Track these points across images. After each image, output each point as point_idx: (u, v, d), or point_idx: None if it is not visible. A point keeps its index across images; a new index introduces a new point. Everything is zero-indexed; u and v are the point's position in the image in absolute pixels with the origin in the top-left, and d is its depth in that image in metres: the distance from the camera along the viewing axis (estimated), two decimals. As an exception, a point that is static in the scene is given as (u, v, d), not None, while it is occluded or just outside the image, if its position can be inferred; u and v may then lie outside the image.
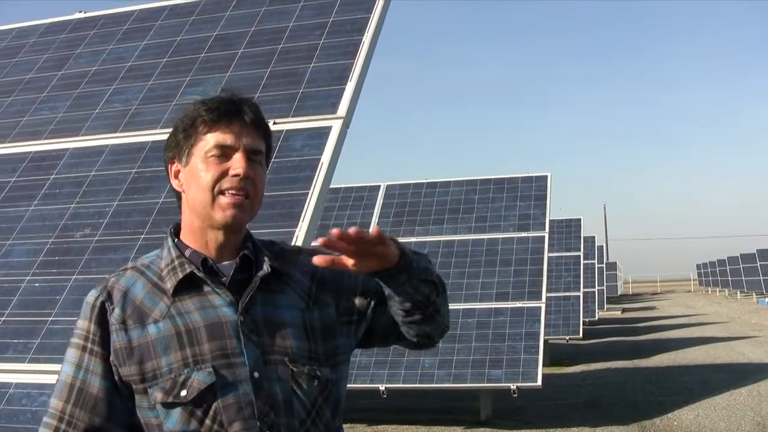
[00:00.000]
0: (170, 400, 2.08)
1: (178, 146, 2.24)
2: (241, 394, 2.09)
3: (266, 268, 2.21)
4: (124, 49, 5.16)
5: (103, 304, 2.17)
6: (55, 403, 2.15)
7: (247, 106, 2.23)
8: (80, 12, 5.67)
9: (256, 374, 2.11)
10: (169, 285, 2.17)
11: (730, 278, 56.58)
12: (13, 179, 4.49)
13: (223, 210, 2.15)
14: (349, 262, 2.10)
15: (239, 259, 2.21)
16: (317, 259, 2.08)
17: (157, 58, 4.96)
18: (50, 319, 3.72)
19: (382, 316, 2.34)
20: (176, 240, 2.25)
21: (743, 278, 51.51)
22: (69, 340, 2.21)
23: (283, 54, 4.62)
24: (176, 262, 2.19)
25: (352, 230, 2.04)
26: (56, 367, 3.47)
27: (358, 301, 2.33)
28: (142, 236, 3.94)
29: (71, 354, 2.17)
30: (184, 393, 2.07)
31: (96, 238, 3.97)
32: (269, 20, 4.93)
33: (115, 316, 2.15)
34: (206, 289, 2.17)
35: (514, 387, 10.73)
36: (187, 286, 2.17)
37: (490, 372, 11.04)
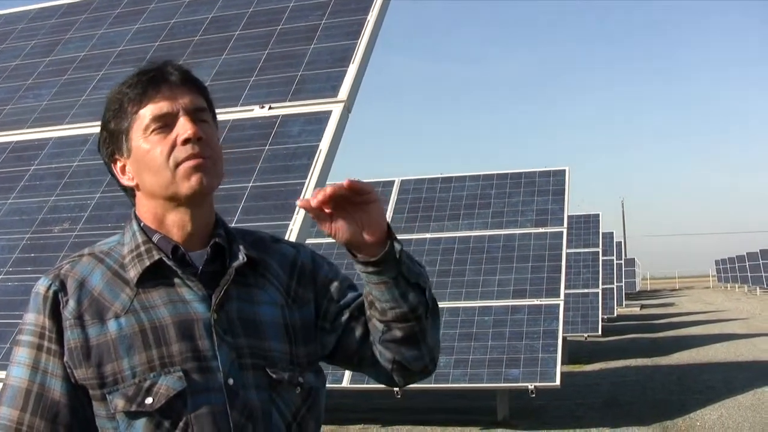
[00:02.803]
0: (134, 408, 1.79)
1: (113, 137, 1.94)
2: (215, 403, 1.81)
3: (241, 257, 1.93)
4: (114, 33, 4.88)
5: (56, 294, 1.86)
6: (8, 412, 1.82)
7: (170, 67, 1.94)
8: (72, -5, 5.41)
9: (230, 381, 1.83)
10: (133, 274, 1.87)
11: (749, 274, 56.05)
12: (-8, 171, 4.21)
13: (187, 178, 1.86)
14: (330, 224, 1.86)
15: (210, 247, 1.92)
16: (301, 201, 1.85)
17: (149, 42, 4.68)
18: (22, 321, 3.41)
19: (352, 332, 2.03)
20: (142, 224, 1.94)
21: (763, 274, 51.03)
22: (17, 338, 1.89)
23: (282, 35, 4.33)
24: (142, 248, 1.90)
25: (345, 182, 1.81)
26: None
27: (333, 306, 2.03)
28: (124, 231, 3.64)
29: (24, 354, 1.85)
30: (149, 401, 1.78)
31: (75, 233, 3.69)
32: (268, 1, 4.64)
33: (69, 310, 1.84)
34: (176, 281, 1.88)
35: (532, 387, 10.43)
36: (154, 276, 1.88)
37: (507, 371, 10.74)
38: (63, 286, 1.87)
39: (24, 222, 3.87)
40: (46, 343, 1.85)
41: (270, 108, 3.87)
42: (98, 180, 3.90)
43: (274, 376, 1.88)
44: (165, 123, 1.88)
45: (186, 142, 1.86)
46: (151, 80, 1.90)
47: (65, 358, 1.83)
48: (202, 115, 1.92)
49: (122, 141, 1.92)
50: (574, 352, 19.47)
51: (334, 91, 3.84)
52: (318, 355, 2.03)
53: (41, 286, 1.89)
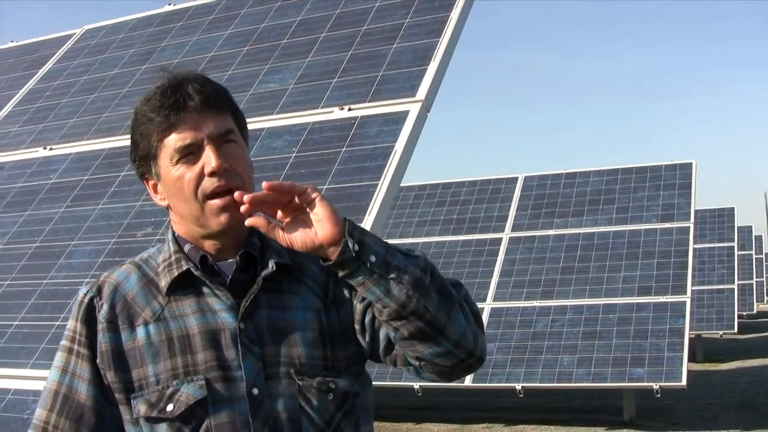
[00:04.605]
0: (155, 414, 1.84)
1: (142, 160, 1.97)
2: (237, 412, 1.83)
3: (271, 266, 1.92)
4: (207, 39, 4.96)
5: (91, 300, 1.93)
6: (39, 413, 1.92)
7: (190, 88, 1.91)
8: (169, 4, 5.53)
9: (255, 390, 1.85)
10: (164, 283, 1.92)
11: None
12: (86, 177, 4.35)
13: (216, 216, 1.88)
14: (283, 235, 1.82)
15: (239, 257, 1.93)
16: (248, 221, 1.81)
17: (238, 47, 4.73)
18: (102, 325, 3.51)
19: (379, 332, 1.98)
20: (176, 234, 1.99)
21: None
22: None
23: (366, 36, 4.31)
24: (173, 258, 1.94)
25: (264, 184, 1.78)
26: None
27: (360, 305, 1.98)
28: (202, 234, 3.70)
29: (58, 358, 1.95)
30: (170, 408, 1.83)
31: (157, 238, 3.75)
32: (354, 2, 4.63)
33: (103, 314, 1.91)
34: (205, 290, 1.91)
35: (657, 387, 10.15)
36: (184, 285, 1.92)
37: (632, 370, 10.50)
38: (99, 292, 1.94)
39: (111, 227, 3.96)
40: (76, 347, 1.92)
41: (349, 109, 3.85)
42: (182, 185, 3.98)
43: (300, 383, 1.87)
44: (190, 152, 1.89)
45: (212, 174, 1.87)
46: (173, 106, 1.88)
47: (97, 361, 1.89)
48: (227, 136, 1.92)
49: (151, 165, 1.95)
50: (710, 350, 18.92)
51: (413, 90, 3.78)
52: (359, 358, 2.00)
53: (81, 293, 1.97)
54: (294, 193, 1.80)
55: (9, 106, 5.32)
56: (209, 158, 1.86)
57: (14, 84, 5.57)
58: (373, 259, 1.81)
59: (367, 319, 1.97)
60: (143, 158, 1.96)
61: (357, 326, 1.99)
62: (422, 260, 1.90)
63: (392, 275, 1.82)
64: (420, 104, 3.71)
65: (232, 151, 1.91)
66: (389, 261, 1.83)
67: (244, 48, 4.70)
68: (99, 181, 4.28)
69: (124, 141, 4.44)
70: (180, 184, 1.89)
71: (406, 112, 3.70)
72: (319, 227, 1.79)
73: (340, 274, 1.84)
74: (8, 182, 4.63)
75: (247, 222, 1.80)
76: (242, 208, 1.78)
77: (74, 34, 5.85)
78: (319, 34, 4.50)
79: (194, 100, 1.89)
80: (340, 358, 1.95)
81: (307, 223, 1.81)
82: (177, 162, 1.89)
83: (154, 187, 1.99)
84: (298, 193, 1.80)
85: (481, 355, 1.96)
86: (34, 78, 5.50)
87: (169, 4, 5.53)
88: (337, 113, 3.88)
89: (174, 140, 1.88)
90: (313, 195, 1.81)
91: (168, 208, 1.99)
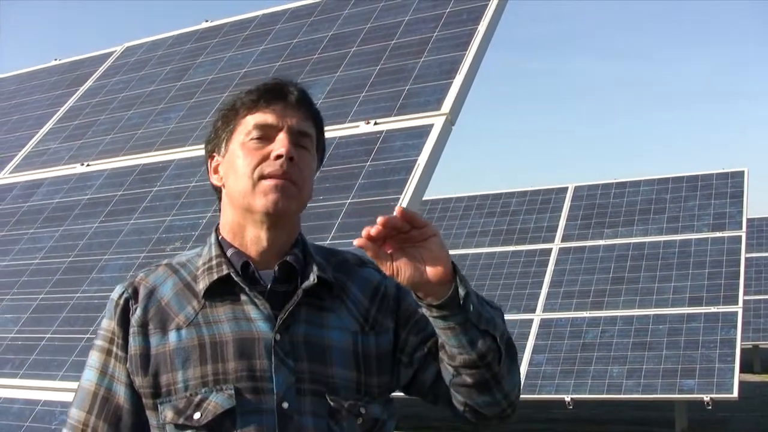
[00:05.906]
0: (181, 421, 1.81)
1: (217, 136, 2.00)
2: (266, 425, 1.80)
3: (312, 278, 1.89)
4: (241, 55, 5.03)
5: (127, 301, 1.92)
6: (76, 413, 1.91)
7: (291, 87, 1.97)
8: (206, 21, 5.61)
9: (285, 404, 1.81)
10: (201, 286, 1.90)
11: None
12: (120, 193, 4.43)
13: (265, 195, 1.86)
14: (391, 263, 1.76)
15: (278, 266, 1.90)
16: (357, 241, 1.74)
17: (271, 63, 4.79)
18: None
19: (429, 369, 1.95)
20: (220, 237, 1.97)
21: None
22: (93, 342, 1.96)
23: (395, 50, 4.33)
24: (214, 261, 1.92)
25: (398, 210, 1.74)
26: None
27: (412, 339, 1.96)
28: (230, 248, 3.76)
29: (94, 358, 1.93)
30: (197, 416, 1.80)
31: (185, 252, 3.80)
32: (385, 16, 4.66)
33: (136, 317, 1.89)
34: (243, 297, 1.88)
35: (708, 398, 10.01)
36: (222, 290, 1.89)
37: (682, 382, 10.36)
38: (135, 294, 1.93)
39: (142, 241, 4.02)
40: (114, 349, 1.90)
41: (375, 123, 3.87)
42: (212, 200, 4.01)
43: (332, 404, 1.84)
44: (266, 134, 1.90)
45: (278, 158, 1.86)
46: (269, 91, 1.94)
47: (127, 365, 1.88)
48: (303, 140, 1.93)
49: (223, 141, 1.97)
50: (767, 361, 18.62)
51: (438, 104, 3.79)
52: (391, 386, 1.98)
53: (116, 293, 1.96)
54: (415, 225, 1.77)
55: (50, 123, 5.45)
56: (281, 142, 1.88)
57: (56, 101, 5.70)
58: (471, 308, 1.78)
59: (418, 354, 1.95)
60: (219, 132, 1.99)
61: (404, 358, 1.96)
62: (500, 312, 1.89)
63: (482, 327, 1.80)
64: (444, 117, 3.72)
65: (301, 153, 1.91)
66: (481, 312, 1.80)
67: (276, 63, 4.75)
68: (132, 196, 4.35)
69: (157, 157, 4.54)
70: (242, 161, 1.89)
71: (431, 126, 3.71)
72: (432, 265, 1.75)
73: (431, 313, 1.79)
74: (46, 198, 4.73)
75: (356, 242, 1.74)
76: (373, 229, 1.73)
77: (115, 51, 5.97)
78: (350, 48, 4.54)
79: (292, 95, 1.94)
80: (373, 384, 1.92)
81: (416, 258, 1.76)
82: (250, 139, 1.90)
83: (216, 167, 2.00)
84: (419, 225, 1.77)
85: (516, 406, 1.97)
86: (75, 95, 5.62)
87: (206, 21, 5.61)
88: (362, 127, 3.91)
89: (256, 118, 1.92)
90: (433, 232, 1.77)
91: (221, 190, 1.99)
